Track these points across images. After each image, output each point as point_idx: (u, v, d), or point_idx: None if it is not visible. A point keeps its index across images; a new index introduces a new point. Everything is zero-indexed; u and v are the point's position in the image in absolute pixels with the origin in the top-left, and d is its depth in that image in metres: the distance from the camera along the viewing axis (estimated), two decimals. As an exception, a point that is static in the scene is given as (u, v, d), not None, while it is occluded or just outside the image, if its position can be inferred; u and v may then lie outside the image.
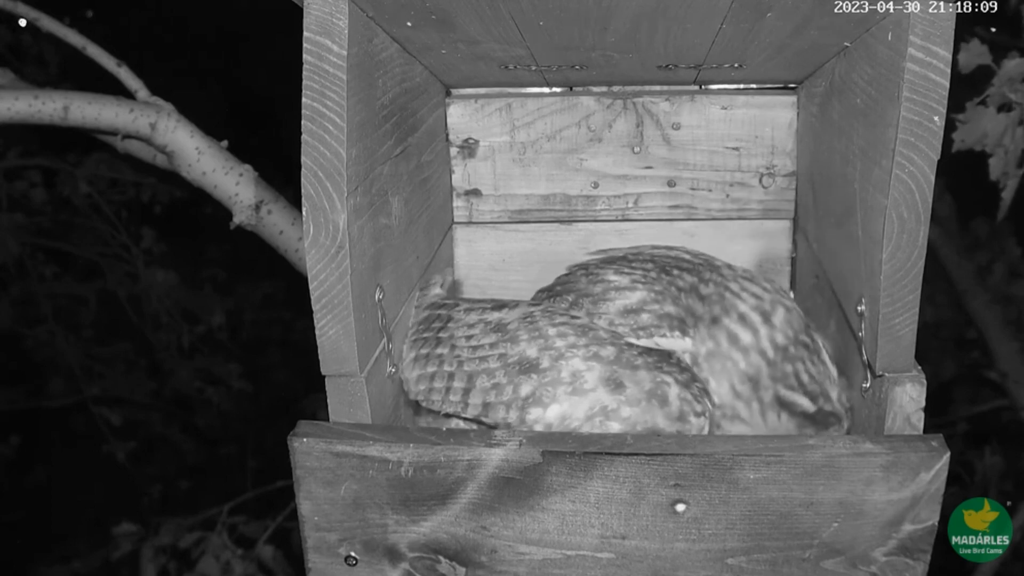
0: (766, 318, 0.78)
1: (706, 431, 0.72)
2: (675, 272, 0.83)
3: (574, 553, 0.70)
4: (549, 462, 0.67)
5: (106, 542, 2.60)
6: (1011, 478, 2.87)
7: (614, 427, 0.71)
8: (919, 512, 0.67)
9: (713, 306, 0.79)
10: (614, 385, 0.72)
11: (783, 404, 0.76)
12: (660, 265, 0.84)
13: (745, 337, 0.78)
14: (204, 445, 4.05)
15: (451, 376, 0.77)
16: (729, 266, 0.85)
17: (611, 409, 0.71)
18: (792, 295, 0.93)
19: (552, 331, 0.76)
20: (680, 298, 0.80)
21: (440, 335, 0.81)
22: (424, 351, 0.80)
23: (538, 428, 0.72)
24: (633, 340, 0.77)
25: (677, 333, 0.78)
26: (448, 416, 0.78)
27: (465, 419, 0.77)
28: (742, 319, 0.78)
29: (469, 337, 0.79)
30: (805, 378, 0.76)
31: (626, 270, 0.84)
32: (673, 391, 0.72)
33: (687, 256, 0.87)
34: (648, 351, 0.76)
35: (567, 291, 0.85)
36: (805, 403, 0.76)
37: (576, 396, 0.72)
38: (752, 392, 0.76)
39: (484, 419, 0.75)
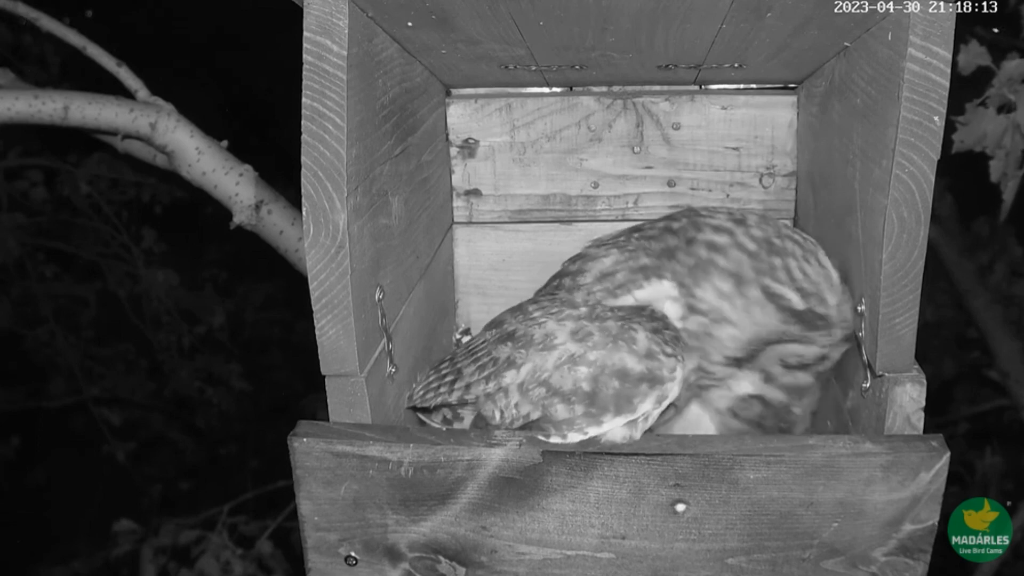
0: (739, 222, 0.79)
1: (678, 373, 0.71)
2: (646, 226, 0.84)
3: (574, 553, 0.70)
4: (549, 462, 0.67)
5: (106, 542, 2.60)
6: (1011, 478, 2.87)
7: (582, 371, 0.70)
8: (919, 512, 0.67)
9: (687, 231, 0.80)
10: (582, 335, 0.73)
11: (770, 296, 0.75)
12: (634, 227, 0.86)
13: (721, 239, 0.78)
14: (204, 445, 4.05)
15: (445, 376, 0.81)
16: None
17: (578, 355, 0.71)
18: None
19: (531, 307, 0.79)
20: (651, 246, 0.81)
21: (444, 359, 0.85)
22: (429, 372, 0.85)
23: (512, 389, 0.73)
24: (610, 301, 0.78)
25: (653, 279, 0.78)
26: (438, 408, 0.79)
27: (451, 406, 0.78)
28: (716, 229, 0.79)
29: (467, 346, 0.83)
30: (798, 275, 0.75)
31: (603, 241, 0.86)
32: (641, 334, 0.72)
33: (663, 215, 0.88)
34: (620, 308, 0.76)
35: (554, 277, 0.88)
36: (794, 298, 0.75)
37: (546, 351, 0.72)
38: (735, 288, 0.76)
39: (467, 397, 0.76)
